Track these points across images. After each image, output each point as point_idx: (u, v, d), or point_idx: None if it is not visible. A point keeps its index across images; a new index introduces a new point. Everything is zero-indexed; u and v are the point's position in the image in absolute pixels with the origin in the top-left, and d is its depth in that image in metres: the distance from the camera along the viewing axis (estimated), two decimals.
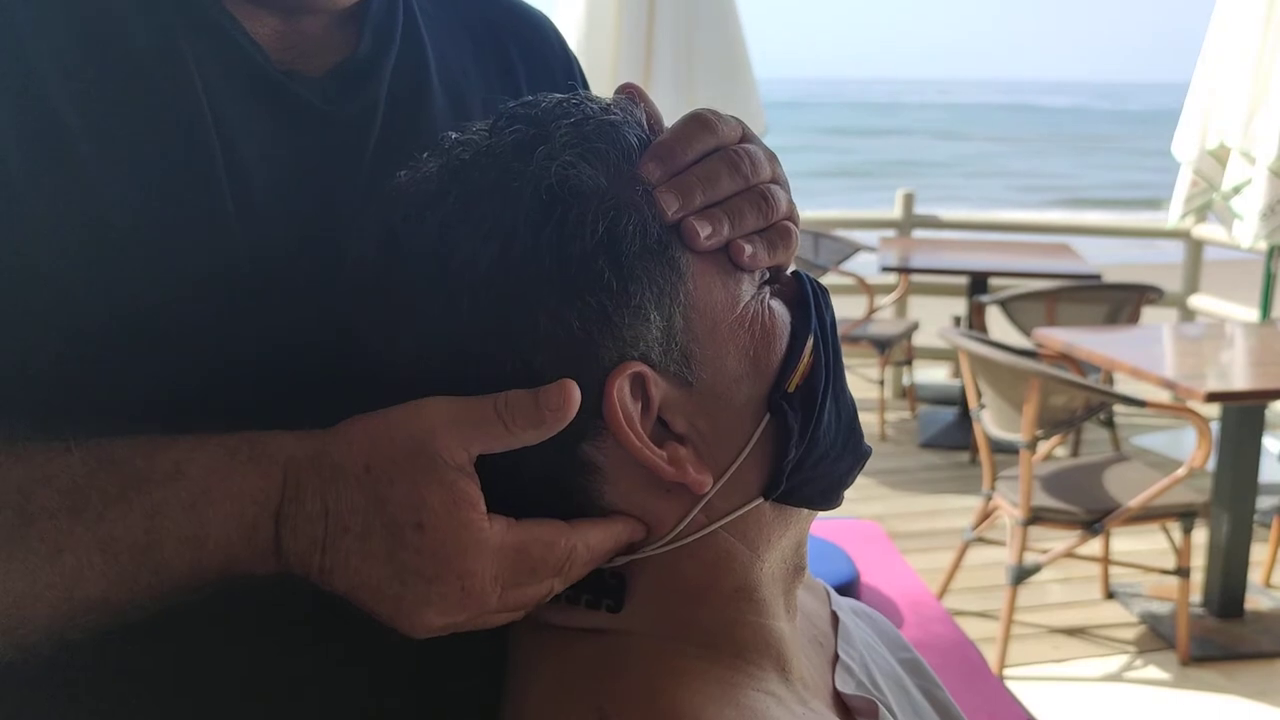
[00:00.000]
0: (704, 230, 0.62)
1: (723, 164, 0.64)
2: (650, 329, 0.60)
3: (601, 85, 3.91)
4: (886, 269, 5.32)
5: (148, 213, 0.64)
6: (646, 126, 0.65)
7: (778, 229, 0.65)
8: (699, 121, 0.64)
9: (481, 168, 0.61)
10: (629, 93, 0.67)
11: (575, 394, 0.58)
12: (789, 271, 0.69)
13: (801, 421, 0.65)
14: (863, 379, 5.75)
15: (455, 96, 0.77)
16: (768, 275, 0.67)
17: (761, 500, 0.66)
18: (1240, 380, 3.49)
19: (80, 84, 0.64)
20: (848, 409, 0.69)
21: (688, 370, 0.62)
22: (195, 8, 0.68)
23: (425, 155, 0.64)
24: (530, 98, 0.65)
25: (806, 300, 0.68)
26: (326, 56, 0.73)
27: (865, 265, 5.67)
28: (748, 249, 0.64)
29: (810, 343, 0.66)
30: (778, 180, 0.67)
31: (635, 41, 3.96)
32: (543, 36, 0.87)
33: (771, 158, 0.67)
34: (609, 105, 0.65)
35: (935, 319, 5.38)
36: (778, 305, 0.66)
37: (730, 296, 0.63)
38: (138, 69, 0.65)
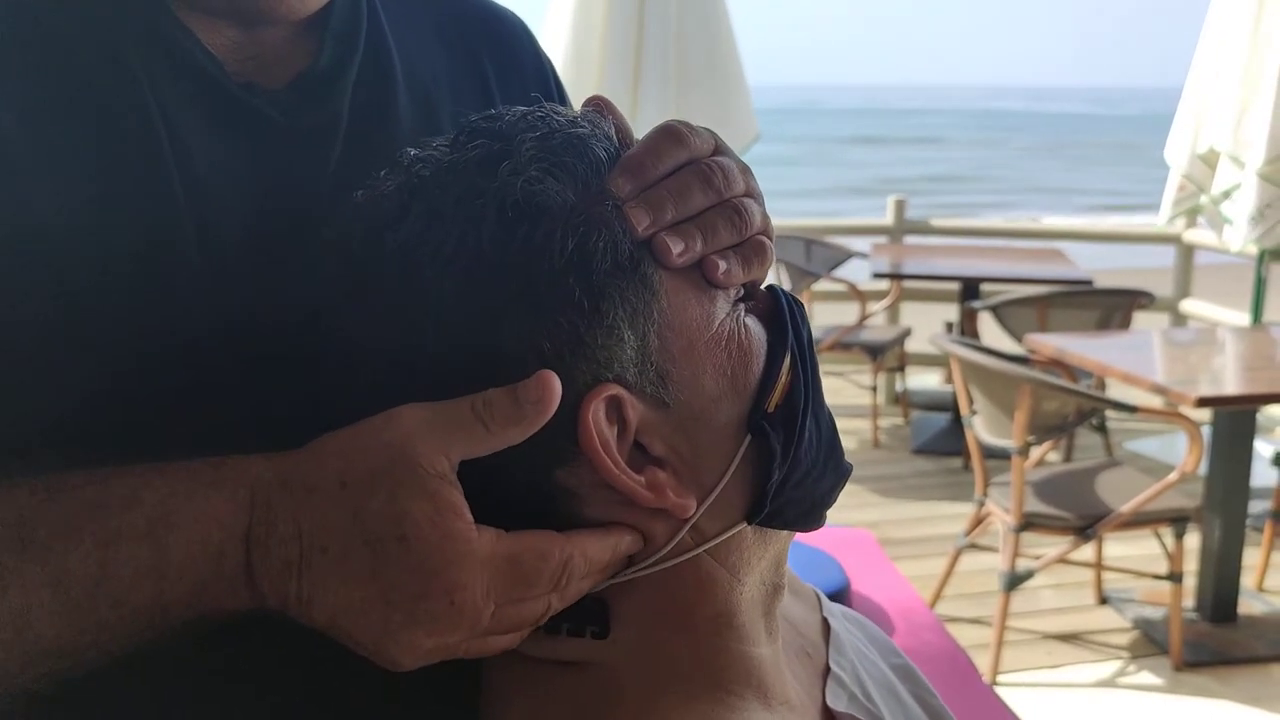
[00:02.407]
0: (676, 247, 0.60)
1: (694, 178, 0.61)
2: (624, 349, 0.58)
3: (589, 94, 3.92)
4: (878, 275, 5.32)
5: (90, 219, 0.61)
6: (615, 140, 0.63)
7: (752, 244, 0.63)
8: (670, 134, 0.62)
9: (443, 184, 0.59)
10: (596, 105, 0.65)
11: (555, 385, 0.56)
12: (764, 286, 0.68)
13: (784, 442, 0.63)
14: (855, 385, 5.74)
15: (423, 102, 0.75)
16: (742, 292, 0.65)
17: (745, 524, 0.64)
18: (1231, 385, 3.50)
19: (12, 90, 0.61)
20: (827, 426, 0.68)
21: (664, 391, 0.60)
22: (144, 19, 0.66)
23: (384, 173, 0.62)
24: (493, 111, 0.63)
25: (782, 316, 0.66)
26: (287, 67, 0.70)
27: (857, 271, 5.67)
28: (722, 265, 0.61)
29: (788, 361, 0.64)
30: (751, 193, 0.65)
31: (624, 52, 3.95)
32: (513, 35, 0.84)
33: (745, 170, 0.65)
34: (576, 118, 0.62)
35: (928, 325, 5.38)
36: (753, 323, 0.64)
37: (705, 314, 0.61)
38: (80, 80, 0.63)
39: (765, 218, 0.65)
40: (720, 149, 0.64)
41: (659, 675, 0.63)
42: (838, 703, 0.72)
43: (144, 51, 0.65)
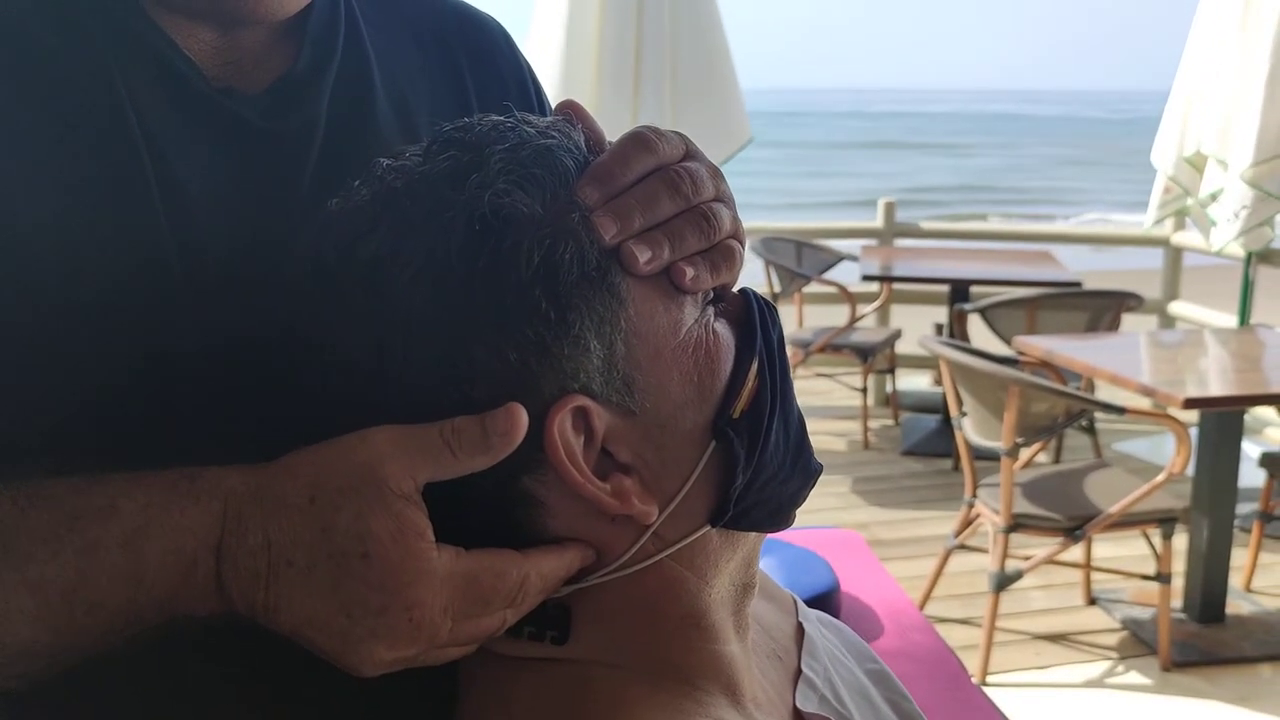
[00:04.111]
0: (643, 255, 0.60)
1: (662, 184, 0.62)
2: (591, 359, 0.59)
3: (583, 100, 3.90)
4: (868, 277, 5.33)
5: (67, 221, 0.62)
6: (585, 148, 0.63)
7: (721, 249, 0.64)
8: (638, 141, 0.63)
9: (414, 196, 0.59)
10: (566, 112, 0.65)
11: (522, 418, 0.57)
12: (736, 289, 0.68)
13: (747, 447, 0.64)
14: (846, 387, 5.76)
15: (401, 108, 0.75)
16: (712, 295, 0.65)
17: (709, 528, 0.64)
18: (1219, 386, 3.52)
19: None
20: (796, 428, 0.68)
21: (630, 399, 0.61)
22: (120, 24, 0.66)
23: (357, 183, 0.62)
24: (466, 120, 0.63)
25: (752, 320, 0.66)
26: (266, 71, 0.71)
27: (848, 274, 5.69)
28: (689, 271, 0.62)
29: (755, 365, 0.65)
30: (721, 198, 0.65)
31: (621, 57, 3.95)
32: (491, 41, 0.85)
33: (716, 174, 0.65)
34: (547, 128, 0.63)
35: (918, 327, 5.39)
36: (722, 327, 0.65)
37: (673, 321, 0.62)
38: (57, 86, 0.64)
39: (735, 221, 0.65)
40: (690, 154, 0.65)
41: (628, 671, 0.64)
42: (807, 704, 0.73)
43: (121, 56, 0.65)
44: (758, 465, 0.64)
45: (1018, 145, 44.76)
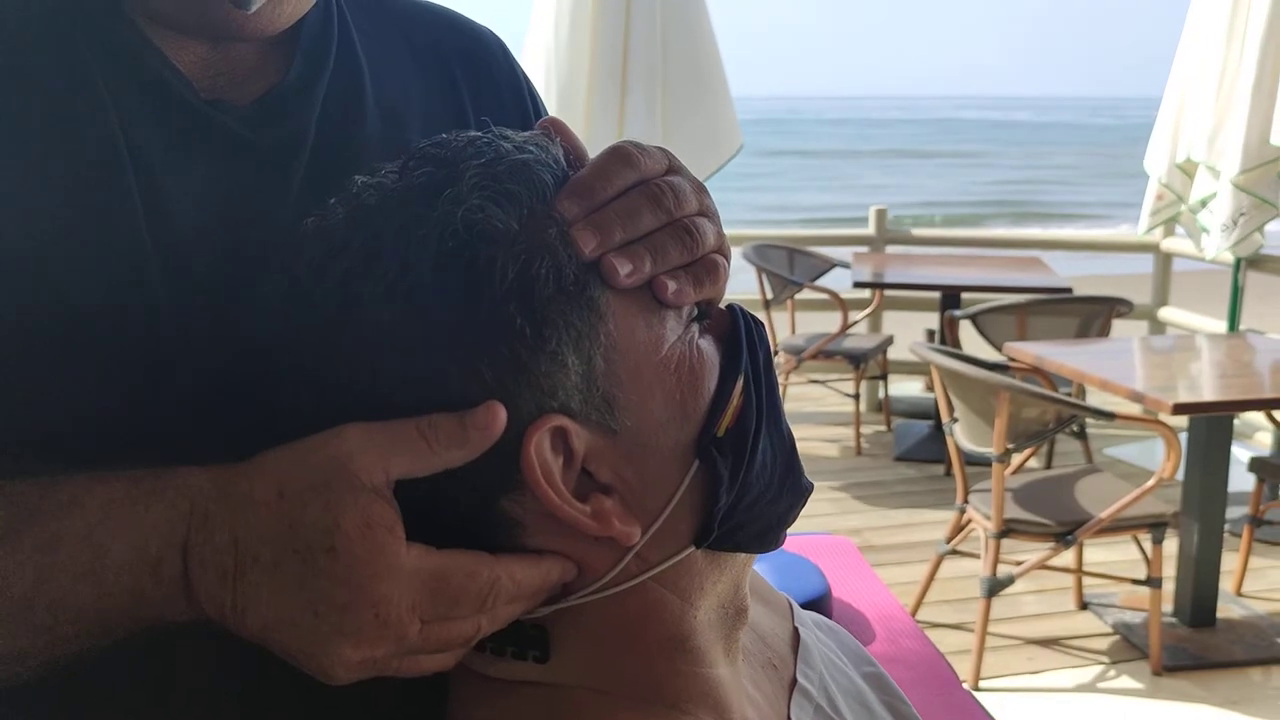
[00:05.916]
0: (624, 268, 0.59)
1: (644, 198, 0.60)
2: (569, 375, 0.58)
3: (577, 108, 3.92)
4: (860, 284, 5.35)
5: (50, 237, 0.61)
6: (565, 163, 0.62)
7: (704, 263, 0.63)
8: (619, 155, 0.62)
9: (387, 213, 0.58)
10: (546, 127, 0.64)
11: (501, 414, 0.56)
12: (722, 305, 0.67)
13: (732, 467, 0.62)
14: (838, 393, 5.77)
15: (392, 120, 0.75)
16: (696, 311, 0.64)
17: (693, 549, 0.63)
18: (1208, 391, 3.53)
19: None
20: (784, 447, 0.66)
21: (610, 417, 0.59)
22: (109, 38, 0.66)
23: (333, 201, 0.61)
24: (443, 136, 0.63)
25: (738, 336, 0.65)
26: (257, 83, 0.70)
27: (840, 280, 5.70)
28: (671, 285, 0.61)
29: (740, 383, 0.63)
30: (705, 212, 0.64)
31: (612, 62, 3.96)
32: (487, 52, 0.84)
33: (700, 189, 0.64)
34: (524, 142, 0.62)
35: (910, 333, 5.41)
36: (706, 344, 0.63)
37: (654, 336, 0.61)
38: (44, 99, 0.63)
39: (720, 236, 0.65)
40: (673, 168, 0.64)
41: (613, 693, 0.63)
42: (802, 715, 0.72)
43: (109, 69, 0.65)
44: (743, 485, 0.63)
45: (1039, 155, 41.88)
